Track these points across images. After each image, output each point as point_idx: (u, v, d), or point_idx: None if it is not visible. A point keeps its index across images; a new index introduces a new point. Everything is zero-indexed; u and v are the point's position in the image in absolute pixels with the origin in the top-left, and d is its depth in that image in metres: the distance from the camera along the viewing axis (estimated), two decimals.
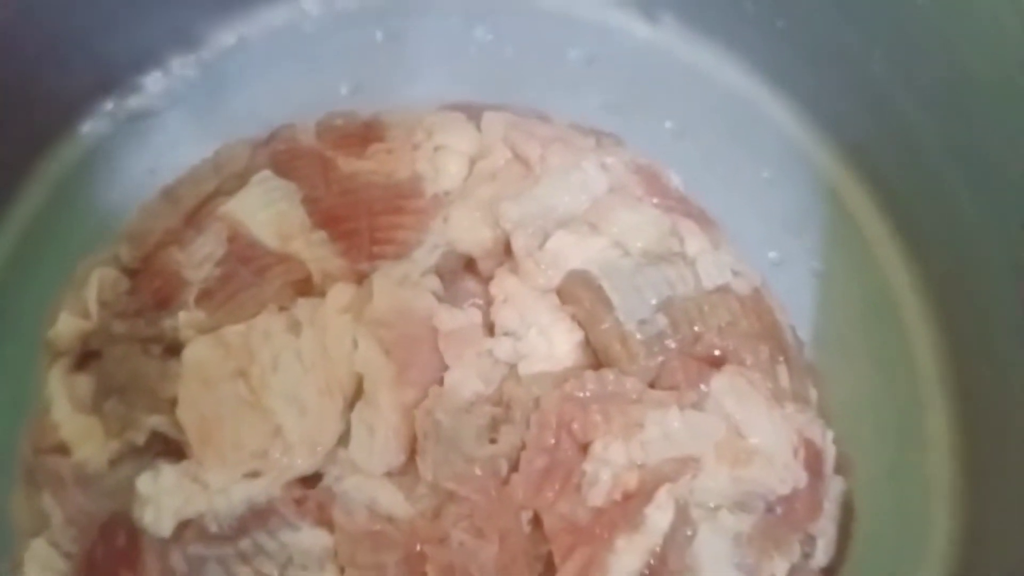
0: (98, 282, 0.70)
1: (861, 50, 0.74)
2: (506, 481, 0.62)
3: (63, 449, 0.67)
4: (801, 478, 0.63)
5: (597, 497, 0.60)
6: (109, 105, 0.83)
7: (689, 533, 0.60)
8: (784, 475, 0.62)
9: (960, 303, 0.74)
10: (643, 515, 0.60)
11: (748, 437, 0.62)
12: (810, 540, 0.64)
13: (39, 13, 0.74)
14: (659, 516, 0.60)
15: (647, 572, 0.59)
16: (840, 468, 0.68)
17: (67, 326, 0.70)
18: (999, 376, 0.71)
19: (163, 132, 0.83)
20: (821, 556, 0.65)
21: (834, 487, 0.67)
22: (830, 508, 0.66)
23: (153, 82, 0.84)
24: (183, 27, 0.83)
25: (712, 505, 0.61)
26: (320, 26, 0.85)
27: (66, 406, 0.68)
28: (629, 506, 0.60)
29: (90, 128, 0.83)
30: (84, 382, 0.69)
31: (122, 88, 0.83)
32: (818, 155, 0.80)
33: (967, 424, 0.73)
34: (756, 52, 0.81)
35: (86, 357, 0.70)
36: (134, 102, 0.84)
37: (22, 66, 0.77)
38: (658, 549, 0.59)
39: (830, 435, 0.67)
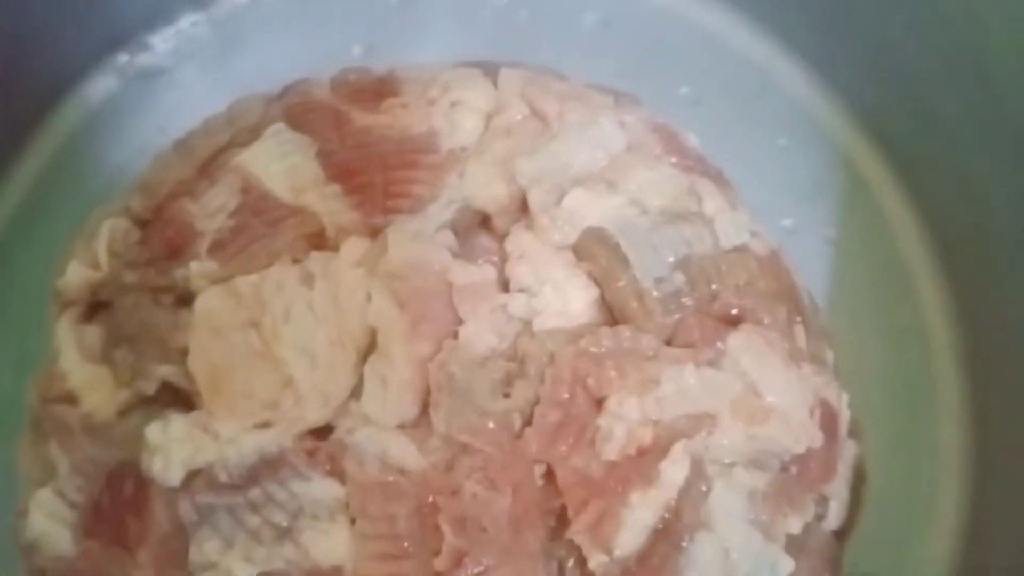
0: (109, 232, 0.70)
1: (881, 17, 0.74)
2: (519, 435, 0.61)
3: (71, 399, 0.66)
4: (816, 438, 0.62)
5: (611, 452, 0.60)
6: (119, 62, 0.83)
7: (704, 489, 0.60)
8: (799, 434, 0.62)
9: (973, 271, 0.74)
10: (658, 470, 0.59)
11: (764, 395, 0.61)
12: (823, 501, 0.64)
13: None
14: (674, 471, 0.59)
15: (661, 526, 0.59)
16: (850, 434, 0.68)
17: (76, 275, 0.69)
18: (1011, 344, 0.71)
19: (173, 90, 0.83)
20: (833, 518, 0.65)
21: (848, 451, 0.66)
22: (843, 471, 0.66)
23: (164, 40, 0.84)
24: None
25: (727, 462, 0.61)
26: None
27: (75, 355, 0.67)
28: (643, 461, 0.60)
29: (100, 85, 0.83)
30: (93, 332, 0.68)
31: (133, 46, 0.83)
32: (833, 122, 0.80)
33: (977, 393, 0.73)
34: (773, 17, 0.81)
35: (96, 308, 0.69)
36: (144, 60, 0.83)
37: (33, 22, 0.77)
38: (672, 503, 0.59)
39: (845, 398, 0.67)
